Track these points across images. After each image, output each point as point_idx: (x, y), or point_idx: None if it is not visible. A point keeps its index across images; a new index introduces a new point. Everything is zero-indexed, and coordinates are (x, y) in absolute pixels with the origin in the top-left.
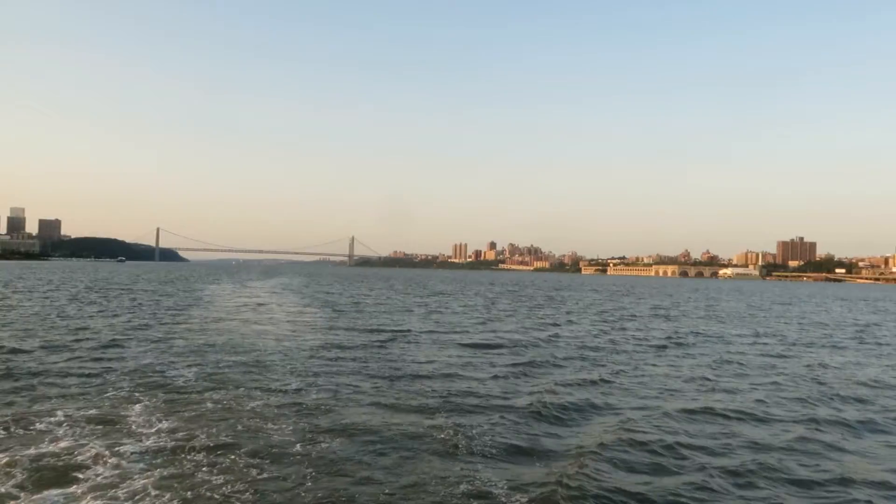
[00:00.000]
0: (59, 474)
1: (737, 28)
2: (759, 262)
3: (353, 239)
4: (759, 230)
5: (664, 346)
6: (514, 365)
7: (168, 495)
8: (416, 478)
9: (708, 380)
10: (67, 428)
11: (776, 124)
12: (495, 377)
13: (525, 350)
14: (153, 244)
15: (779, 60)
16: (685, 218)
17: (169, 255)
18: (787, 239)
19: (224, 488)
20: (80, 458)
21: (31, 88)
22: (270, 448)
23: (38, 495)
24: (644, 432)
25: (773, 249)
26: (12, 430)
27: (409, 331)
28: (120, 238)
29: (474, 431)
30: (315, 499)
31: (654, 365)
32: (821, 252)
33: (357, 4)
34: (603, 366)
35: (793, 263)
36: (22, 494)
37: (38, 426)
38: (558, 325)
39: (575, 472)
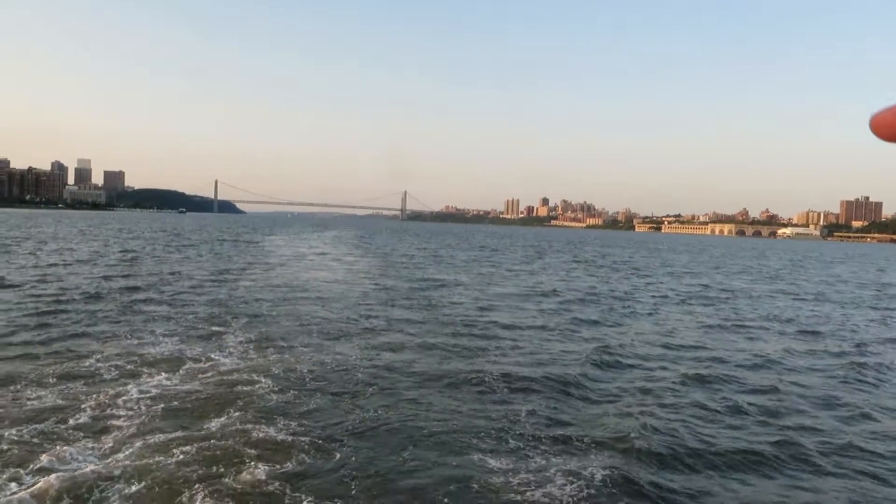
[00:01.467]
0: (171, 364)
1: None
2: (821, 222)
3: (405, 193)
4: (823, 188)
5: (687, 300)
6: (549, 313)
7: (258, 372)
8: (456, 407)
9: (711, 327)
10: (173, 338)
11: (838, 81)
12: (535, 326)
13: (566, 302)
14: (211, 196)
15: (827, 20)
16: (745, 174)
17: (226, 207)
18: (852, 198)
19: (305, 373)
20: (188, 353)
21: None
22: (334, 355)
23: (159, 376)
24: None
25: (836, 209)
26: (130, 339)
27: (454, 281)
28: (180, 190)
29: (510, 373)
30: (365, 390)
31: (674, 317)
32: (887, 212)
33: None
34: (631, 314)
35: (856, 224)
36: (143, 376)
37: (151, 338)
38: (597, 278)
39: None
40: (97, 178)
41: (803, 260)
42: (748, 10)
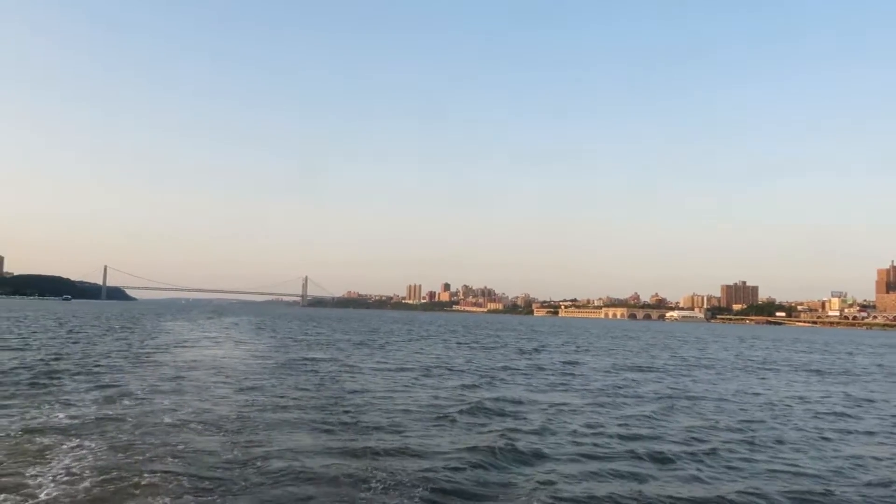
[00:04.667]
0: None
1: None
2: (705, 305)
3: (306, 279)
4: (706, 273)
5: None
6: (424, 385)
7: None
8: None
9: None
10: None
11: (725, 175)
12: (411, 396)
13: (439, 374)
14: (100, 282)
15: (724, 114)
16: (636, 260)
17: (116, 294)
18: (731, 283)
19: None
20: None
21: None
22: (224, 420)
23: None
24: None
25: (717, 293)
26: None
27: (333, 358)
28: (65, 276)
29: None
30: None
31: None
32: (763, 296)
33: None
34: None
35: (736, 307)
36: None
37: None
38: (473, 350)
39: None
40: None
41: (665, 340)
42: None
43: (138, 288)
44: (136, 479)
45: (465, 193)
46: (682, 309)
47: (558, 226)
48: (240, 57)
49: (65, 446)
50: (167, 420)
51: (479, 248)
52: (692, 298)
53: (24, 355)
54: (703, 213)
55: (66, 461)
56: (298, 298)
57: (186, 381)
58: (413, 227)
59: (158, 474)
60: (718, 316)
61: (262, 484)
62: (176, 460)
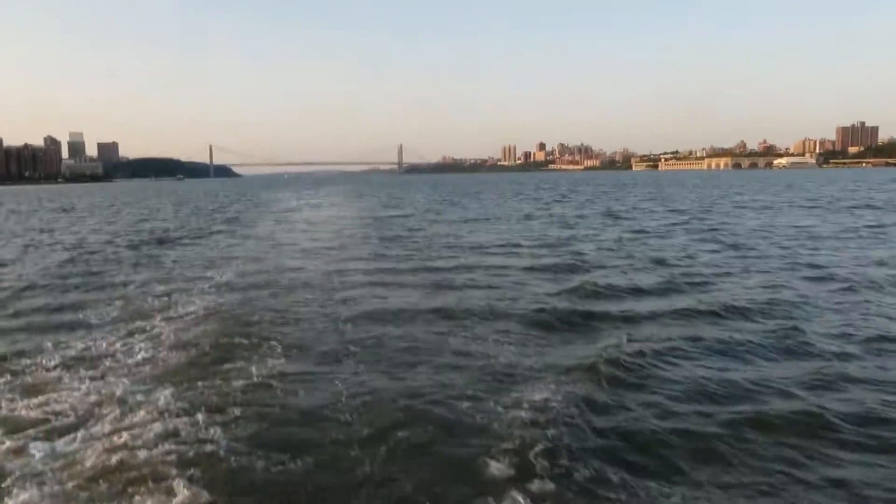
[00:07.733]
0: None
1: None
2: (817, 150)
3: (401, 147)
4: (820, 117)
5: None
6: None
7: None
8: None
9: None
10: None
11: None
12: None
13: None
14: (206, 161)
15: None
16: (742, 105)
17: (223, 172)
18: (848, 124)
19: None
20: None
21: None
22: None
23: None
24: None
25: (832, 136)
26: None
27: (423, 217)
28: (175, 157)
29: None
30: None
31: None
32: (884, 136)
33: None
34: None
35: (853, 150)
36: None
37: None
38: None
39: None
40: (90, 151)
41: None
42: None
43: (243, 165)
44: (260, 304)
45: (560, 51)
46: (792, 155)
47: (655, 68)
48: None
49: (221, 267)
50: (285, 250)
51: (576, 105)
52: (804, 143)
53: (186, 219)
54: (818, 48)
55: (228, 275)
56: (395, 166)
57: (297, 231)
58: (503, 87)
59: (277, 300)
60: (831, 161)
61: (356, 309)
62: (291, 292)
